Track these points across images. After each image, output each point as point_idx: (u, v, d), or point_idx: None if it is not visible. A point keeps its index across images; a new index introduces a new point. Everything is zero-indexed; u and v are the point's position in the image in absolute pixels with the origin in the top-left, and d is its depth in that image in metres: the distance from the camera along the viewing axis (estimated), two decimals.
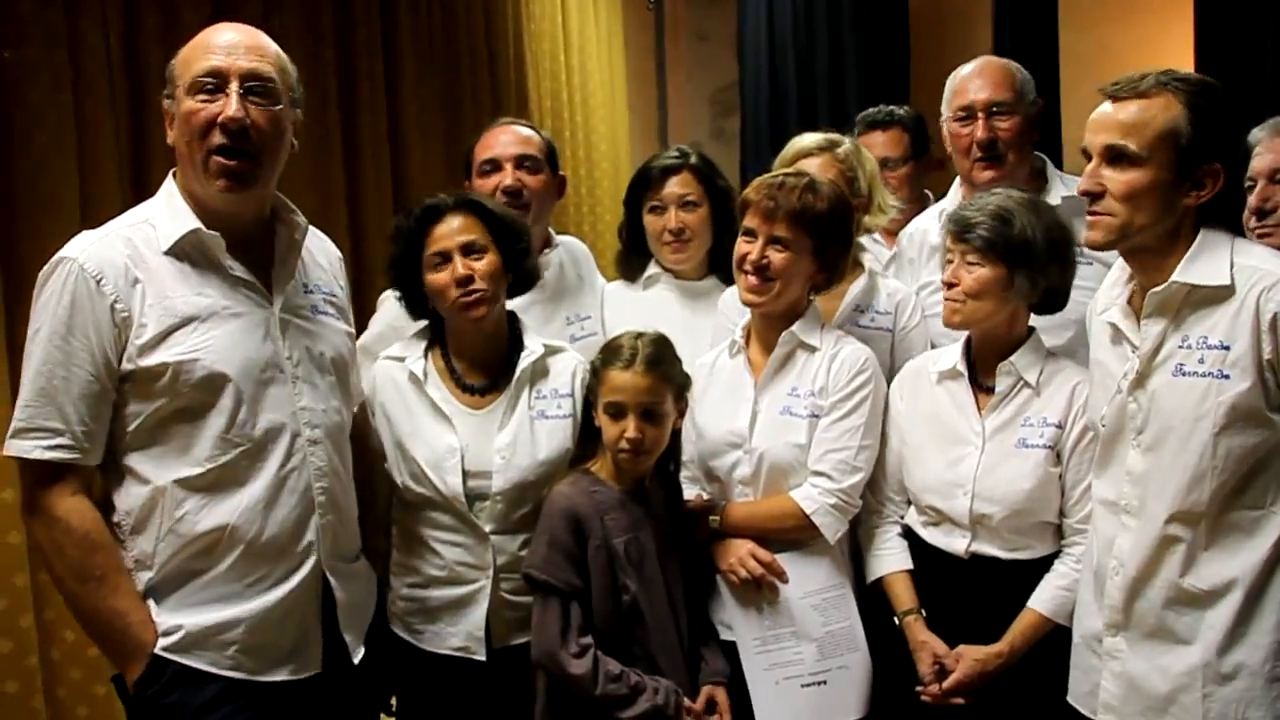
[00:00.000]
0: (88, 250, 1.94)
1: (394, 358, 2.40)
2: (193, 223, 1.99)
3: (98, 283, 1.91)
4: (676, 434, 2.37)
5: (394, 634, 2.36)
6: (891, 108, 3.66)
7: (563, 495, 2.24)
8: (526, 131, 2.87)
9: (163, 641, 1.94)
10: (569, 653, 2.15)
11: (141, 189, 2.97)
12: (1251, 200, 2.32)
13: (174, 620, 1.95)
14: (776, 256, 2.33)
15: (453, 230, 2.31)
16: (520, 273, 2.41)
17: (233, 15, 3.08)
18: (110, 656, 2.01)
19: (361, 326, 2.55)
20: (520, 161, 2.78)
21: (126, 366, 1.93)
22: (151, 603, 1.95)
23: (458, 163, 4.19)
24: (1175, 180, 1.93)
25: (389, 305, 2.62)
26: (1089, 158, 1.99)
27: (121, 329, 1.92)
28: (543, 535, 2.22)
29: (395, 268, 2.38)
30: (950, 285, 2.30)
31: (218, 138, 1.94)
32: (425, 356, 2.37)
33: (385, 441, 2.36)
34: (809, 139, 2.69)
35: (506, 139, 2.82)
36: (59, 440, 1.91)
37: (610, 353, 2.28)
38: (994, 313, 2.29)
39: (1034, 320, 2.38)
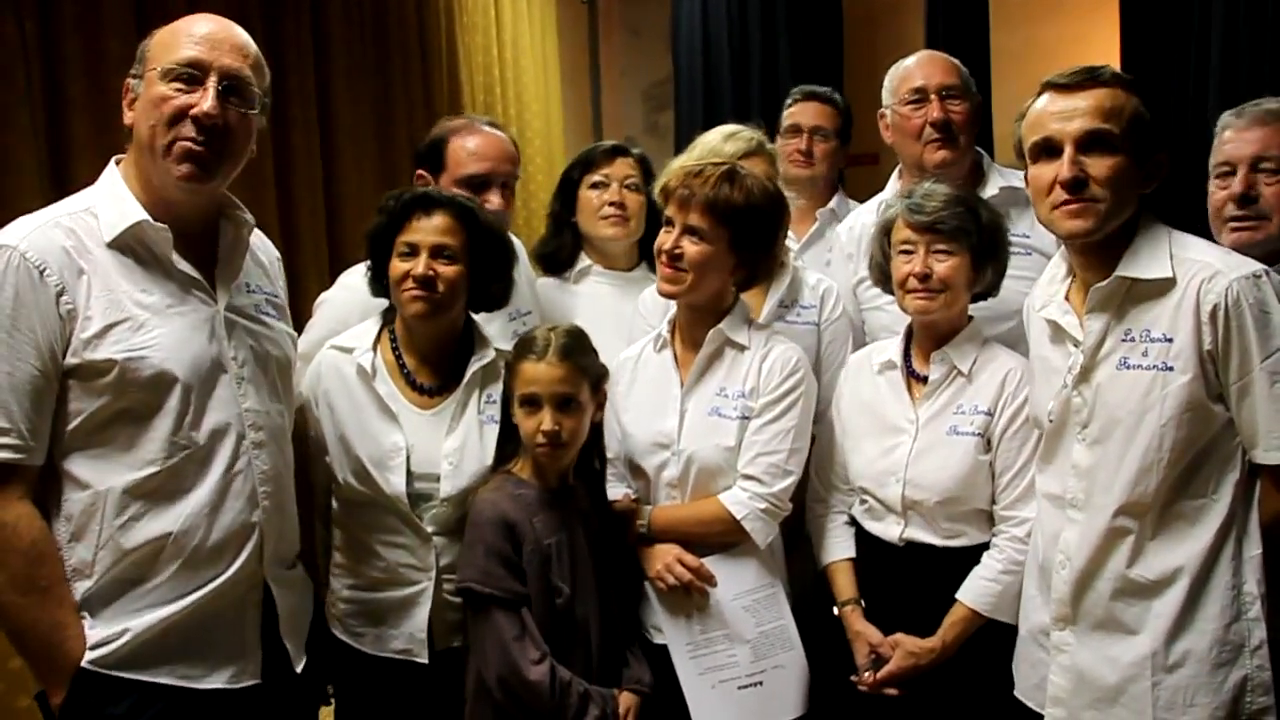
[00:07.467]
0: (28, 238, 1.84)
1: (341, 348, 2.33)
2: (139, 214, 1.90)
3: (41, 273, 1.82)
4: (598, 429, 2.33)
5: (334, 636, 2.32)
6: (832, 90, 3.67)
7: (489, 502, 2.19)
8: (510, 146, 2.71)
9: (98, 653, 1.85)
10: (530, 660, 2.11)
11: (61, 182, 2.86)
12: (1235, 186, 2.28)
13: (110, 630, 1.86)
14: (691, 247, 2.27)
15: (431, 228, 2.26)
16: (487, 290, 2.36)
17: (158, 4, 2.99)
18: (40, 671, 1.89)
19: (297, 329, 2.46)
20: (508, 180, 2.68)
21: (71, 361, 1.83)
22: (86, 614, 1.86)
23: (390, 159, 4.14)
24: (1139, 168, 1.94)
25: (326, 309, 2.54)
26: (1037, 153, 1.98)
27: (66, 321, 1.83)
28: (477, 546, 2.16)
29: (372, 241, 2.32)
30: (924, 277, 2.28)
31: (188, 129, 1.88)
32: (374, 349, 2.31)
33: (327, 435, 2.29)
34: (741, 139, 2.65)
35: (499, 153, 2.66)
36: (6, 440, 1.80)
37: (523, 346, 2.25)
38: (959, 299, 2.31)
39: (976, 312, 2.39)
